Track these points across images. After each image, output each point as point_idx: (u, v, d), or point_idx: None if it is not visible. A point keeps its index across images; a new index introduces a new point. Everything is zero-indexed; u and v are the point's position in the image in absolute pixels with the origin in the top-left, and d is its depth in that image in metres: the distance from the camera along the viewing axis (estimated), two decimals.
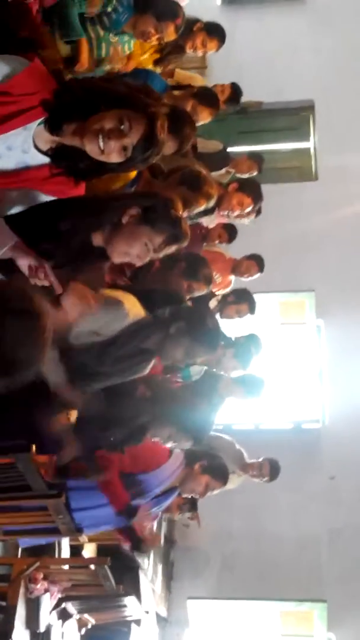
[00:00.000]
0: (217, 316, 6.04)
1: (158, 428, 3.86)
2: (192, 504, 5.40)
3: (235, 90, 6.61)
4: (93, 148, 2.62)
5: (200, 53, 6.12)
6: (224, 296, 6.04)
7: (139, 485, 4.44)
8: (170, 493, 4.67)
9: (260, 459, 6.29)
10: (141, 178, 4.10)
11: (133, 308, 3.42)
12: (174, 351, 3.60)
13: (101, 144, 2.59)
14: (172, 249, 3.12)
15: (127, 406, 3.80)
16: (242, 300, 6.11)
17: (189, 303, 4.45)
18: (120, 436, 3.88)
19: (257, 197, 6.33)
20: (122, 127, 2.60)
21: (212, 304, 5.83)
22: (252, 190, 6.30)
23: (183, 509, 5.37)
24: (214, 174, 6.22)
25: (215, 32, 6.02)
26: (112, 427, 3.82)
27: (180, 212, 3.13)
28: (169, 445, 3.96)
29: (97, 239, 3.01)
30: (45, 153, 2.72)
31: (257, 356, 5.99)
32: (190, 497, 5.22)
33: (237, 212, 6.30)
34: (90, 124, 2.61)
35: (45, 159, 2.73)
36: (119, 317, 3.34)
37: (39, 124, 2.68)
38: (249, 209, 6.30)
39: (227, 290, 6.45)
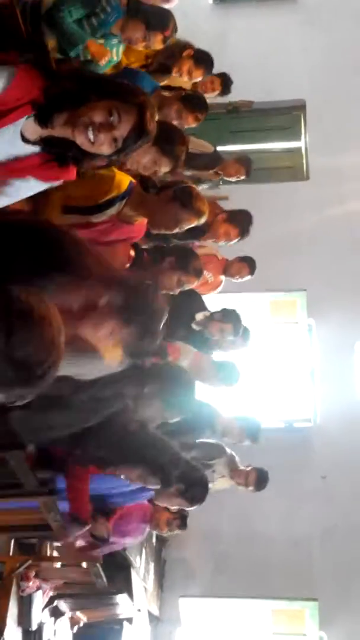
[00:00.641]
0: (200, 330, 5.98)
1: (128, 468, 3.87)
2: (182, 521, 5.37)
3: (225, 82, 6.63)
4: (83, 140, 2.62)
5: (185, 79, 6.10)
6: (212, 313, 5.98)
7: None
8: (148, 490, 4.64)
9: (249, 468, 6.21)
10: (133, 191, 4.10)
11: (112, 359, 3.35)
12: (146, 409, 3.63)
13: (91, 136, 2.60)
14: (141, 345, 3.03)
15: (110, 434, 3.78)
16: (228, 320, 6.02)
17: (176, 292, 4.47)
18: (89, 455, 3.90)
19: (244, 230, 6.31)
20: (112, 119, 2.59)
21: (199, 317, 5.82)
22: (240, 222, 6.30)
23: (172, 525, 5.34)
24: (203, 174, 6.25)
25: (203, 61, 6.01)
26: (85, 444, 3.83)
27: (164, 305, 3.06)
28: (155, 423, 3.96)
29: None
30: (34, 143, 2.70)
31: (245, 348, 6.03)
32: (180, 514, 5.22)
33: (221, 243, 6.31)
34: (80, 116, 2.60)
35: (34, 149, 2.72)
36: (97, 366, 3.28)
37: (27, 117, 2.67)
38: (234, 242, 6.32)
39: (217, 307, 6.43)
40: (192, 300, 5.70)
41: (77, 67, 2.81)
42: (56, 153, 2.72)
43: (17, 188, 2.85)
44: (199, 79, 6.11)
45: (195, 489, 4.51)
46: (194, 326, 5.71)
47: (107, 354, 3.19)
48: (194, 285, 4.71)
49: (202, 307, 5.91)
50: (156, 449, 3.88)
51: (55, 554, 5.56)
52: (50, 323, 2.04)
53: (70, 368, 3.00)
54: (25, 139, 2.71)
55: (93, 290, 2.76)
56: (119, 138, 2.64)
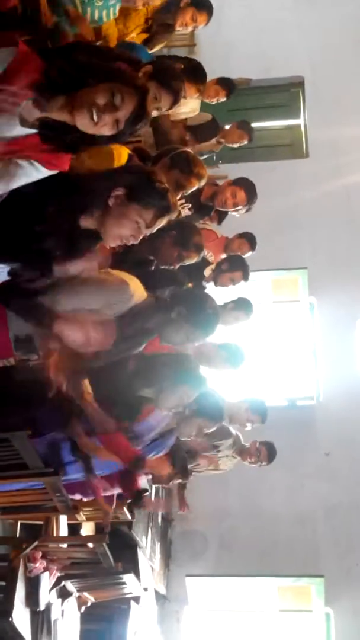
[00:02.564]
0: (212, 285, 6.07)
1: (166, 397, 3.91)
2: (183, 473, 5.34)
3: (229, 89, 6.58)
4: (85, 122, 2.61)
5: (190, 29, 6.08)
6: (218, 264, 6.04)
7: (132, 433, 4.46)
8: (169, 435, 4.63)
9: (257, 445, 6.23)
10: (131, 163, 4.09)
11: (137, 290, 3.46)
12: (175, 335, 3.68)
13: (95, 117, 2.59)
14: (163, 222, 3.13)
15: (122, 382, 3.84)
16: (235, 268, 6.11)
17: (187, 281, 4.50)
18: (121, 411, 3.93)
19: (250, 192, 6.31)
20: (115, 100, 2.60)
21: (207, 272, 5.84)
22: (246, 184, 6.31)
23: (174, 478, 5.33)
24: (205, 144, 6.22)
25: (203, 5, 5.99)
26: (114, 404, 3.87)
27: (165, 184, 3.15)
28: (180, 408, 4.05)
29: (86, 223, 3.02)
30: (31, 126, 2.69)
31: (248, 320, 6.04)
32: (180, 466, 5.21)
33: (231, 205, 6.29)
34: (81, 98, 2.60)
35: (32, 131, 2.71)
36: (124, 298, 3.38)
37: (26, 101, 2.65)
38: (243, 205, 6.30)
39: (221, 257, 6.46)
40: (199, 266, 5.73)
41: (74, 45, 2.78)
42: (54, 137, 2.71)
43: (28, 171, 2.84)
44: (204, 24, 6.05)
45: (207, 411, 4.60)
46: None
47: (132, 285, 3.28)
48: (194, 260, 4.71)
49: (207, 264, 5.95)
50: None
51: (62, 534, 5.58)
52: None
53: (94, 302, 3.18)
54: (23, 122, 2.69)
55: (99, 195, 2.98)
56: (122, 119, 2.64)
